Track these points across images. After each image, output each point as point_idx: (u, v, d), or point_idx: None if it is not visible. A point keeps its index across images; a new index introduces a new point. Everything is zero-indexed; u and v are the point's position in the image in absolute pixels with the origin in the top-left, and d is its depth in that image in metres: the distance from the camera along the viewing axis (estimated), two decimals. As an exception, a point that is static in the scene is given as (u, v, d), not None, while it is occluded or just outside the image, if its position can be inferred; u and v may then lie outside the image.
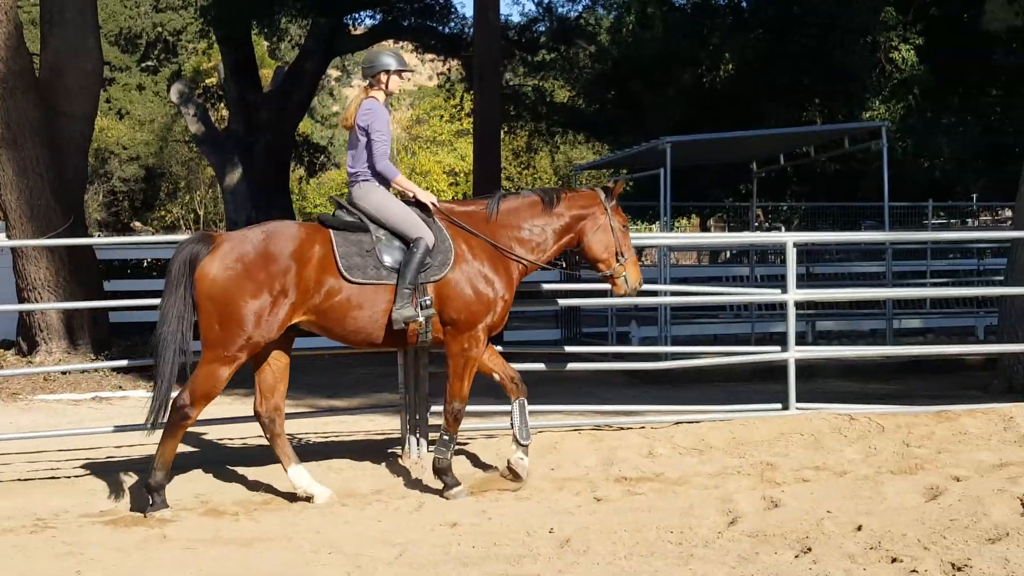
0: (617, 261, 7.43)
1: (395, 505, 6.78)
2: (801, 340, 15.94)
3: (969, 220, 26.22)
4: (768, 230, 25.26)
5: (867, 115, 22.74)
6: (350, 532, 6.14)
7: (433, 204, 7.20)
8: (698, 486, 6.99)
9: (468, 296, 7.01)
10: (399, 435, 8.05)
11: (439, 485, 7.11)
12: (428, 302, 6.90)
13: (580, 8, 28.04)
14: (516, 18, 34.66)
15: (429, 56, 27.37)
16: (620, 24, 27.85)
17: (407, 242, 6.91)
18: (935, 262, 19.29)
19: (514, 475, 7.12)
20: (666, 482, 7.16)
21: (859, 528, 5.64)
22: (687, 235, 21.50)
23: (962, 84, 23.47)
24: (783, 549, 5.43)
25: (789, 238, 8.90)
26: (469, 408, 7.37)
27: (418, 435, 7.88)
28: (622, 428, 8.51)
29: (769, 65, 23.04)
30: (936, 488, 6.41)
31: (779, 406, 8.61)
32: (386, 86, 7.25)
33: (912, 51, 22.64)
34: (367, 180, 7.10)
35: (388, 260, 6.86)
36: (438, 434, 7.28)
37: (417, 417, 7.89)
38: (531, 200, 7.42)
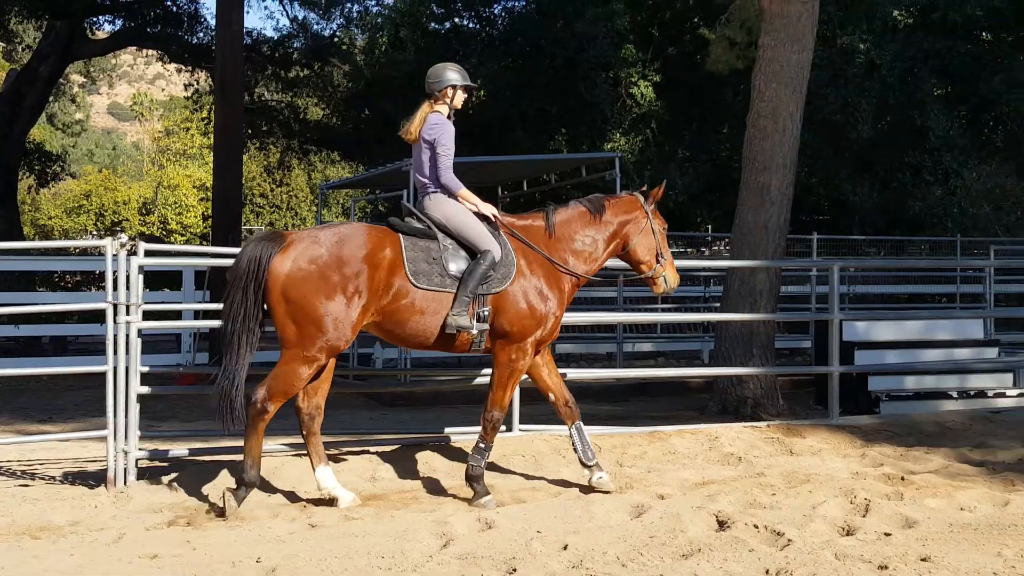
0: (658, 262, 7.72)
1: (92, 537, 6.35)
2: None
3: (704, 249, 27.62)
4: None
5: (608, 146, 23.65)
6: (37, 568, 5.69)
7: (495, 216, 7.34)
8: (416, 510, 7.00)
9: (523, 310, 7.19)
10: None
11: (470, 493, 7.19)
12: (486, 313, 7.08)
13: (335, 27, 27.94)
14: (270, 33, 34.02)
15: (175, 65, 26.53)
16: (374, 44, 27.92)
17: (473, 253, 7.08)
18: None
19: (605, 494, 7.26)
20: (385, 506, 7.14)
21: (565, 547, 5.78)
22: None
23: (695, 120, 24.78)
24: (490, 570, 5.50)
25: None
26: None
27: (125, 462, 7.53)
28: (352, 452, 8.45)
29: (519, 93, 23.64)
30: (642, 506, 6.67)
31: (503, 428, 8.79)
32: (451, 100, 7.37)
33: (650, 87, 23.74)
34: (436, 191, 7.25)
35: (453, 268, 7.02)
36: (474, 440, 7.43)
37: (126, 443, 7.56)
38: (580, 211, 7.60)
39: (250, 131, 26.13)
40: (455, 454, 8.28)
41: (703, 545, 5.71)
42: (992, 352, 12.46)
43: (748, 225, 11.34)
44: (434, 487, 7.67)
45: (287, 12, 25.62)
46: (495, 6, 25.89)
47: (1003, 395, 11.82)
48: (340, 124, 28.05)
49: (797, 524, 6.14)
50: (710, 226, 27.41)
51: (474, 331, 7.05)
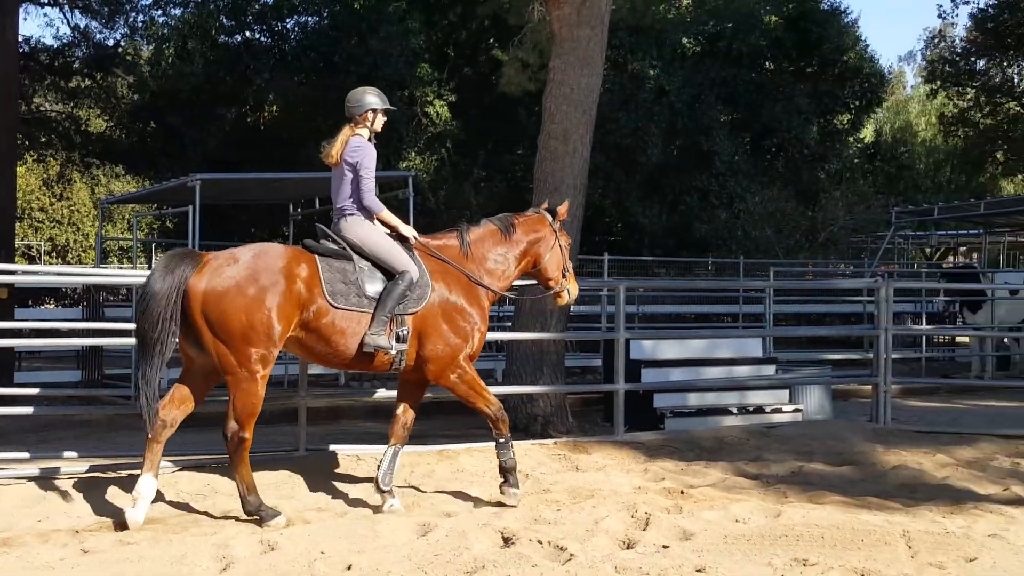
0: (563, 277, 7.98)
1: None
2: (333, 383, 16.17)
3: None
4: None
5: (403, 164, 23.65)
6: None
7: (414, 238, 7.42)
8: (196, 533, 6.73)
9: (447, 329, 7.31)
10: None
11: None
12: (405, 333, 7.16)
13: (118, 36, 26.88)
14: (49, 41, 32.47)
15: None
16: (160, 56, 27.07)
17: (390, 274, 7.14)
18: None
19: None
20: (163, 530, 6.84)
21: (349, 567, 5.68)
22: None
23: (490, 140, 25.06)
24: (269, 594, 5.35)
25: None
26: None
27: None
28: (132, 474, 8.06)
29: (312, 109, 23.35)
30: (428, 524, 6.62)
31: (291, 448, 8.60)
32: (372, 124, 7.45)
33: (446, 107, 23.88)
34: (353, 214, 7.27)
35: (370, 290, 7.09)
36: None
37: None
38: (491, 229, 7.75)
39: (27, 142, 24.84)
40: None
41: (487, 562, 5.69)
42: (770, 369, 13.01)
43: (539, 245, 11.47)
44: (216, 509, 7.41)
45: (68, 20, 24.36)
46: (288, 20, 25.54)
47: (779, 411, 12.36)
48: (124, 137, 27.02)
49: (580, 539, 6.21)
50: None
51: (392, 351, 7.11)
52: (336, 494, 7.83)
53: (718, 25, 30.56)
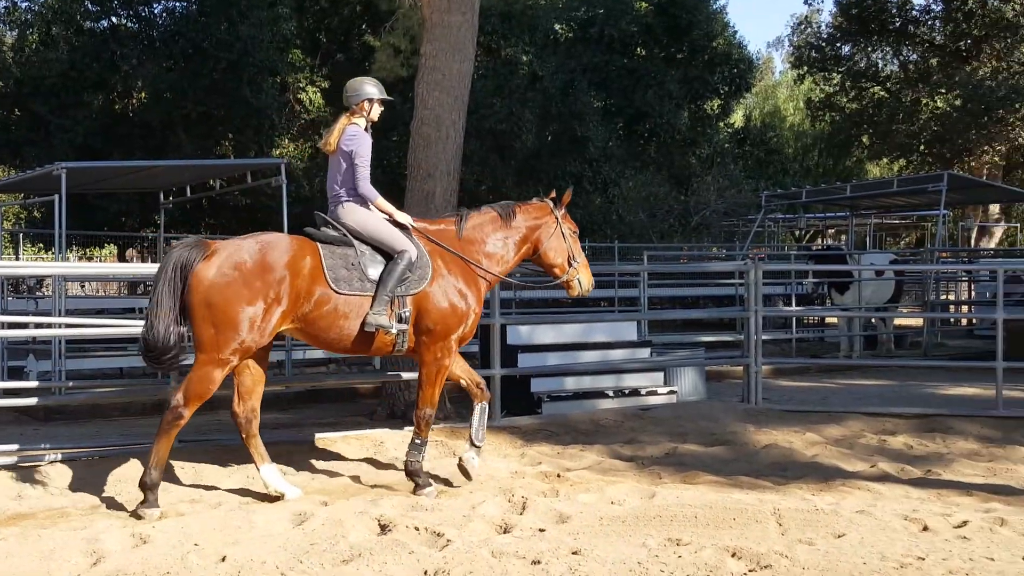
0: (570, 265, 7.99)
1: None
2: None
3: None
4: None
5: (276, 152, 23.28)
6: None
7: (410, 224, 7.58)
8: (65, 527, 6.50)
9: (444, 308, 7.47)
10: None
11: (411, 485, 7.40)
12: (406, 314, 7.33)
13: (-20, 22, 25.91)
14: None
15: None
16: (23, 42, 26.10)
17: (390, 257, 7.32)
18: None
19: (464, 473, 7.61)
20: (32, 525, 6.60)
21: (223, 559, 5.58)
22: (83, 265, 20.31)
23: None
24: (140, 589, 5.21)
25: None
26: None
27: None
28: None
29: (182, 96, 22.80)
30: (304, 514, 6.54)
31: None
32: (368, 113, 7.64)
33: (318, 93, 23.56)
34: (349, 200, 7.44)
35: (372, 273, 7.27)
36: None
37: None
38: (491, 215, 7.92)
39: None
40: (110, 468, 7.82)
41: (364, 550, 5.64)
42: (645, 352, 13.15)
43: (414, 231, 11.40)
44: (86, 503, 7.23)
45: (-73, 7, 23.38)
46: (155, 5, 24.97)
47: (654, 393, 12.50)
48: (-13, 125, 26.04)
49: (457, 525, 6.20)
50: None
51: (393, 330, 7.29)
52: (211, 485, 7.68)
53: (589, 11, 30.82)
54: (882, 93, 34.21)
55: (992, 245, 33.53)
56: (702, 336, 19.71)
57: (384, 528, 6.18)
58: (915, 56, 34.94)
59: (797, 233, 36.65)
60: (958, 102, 31.29)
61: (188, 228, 26.76)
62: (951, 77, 31.74)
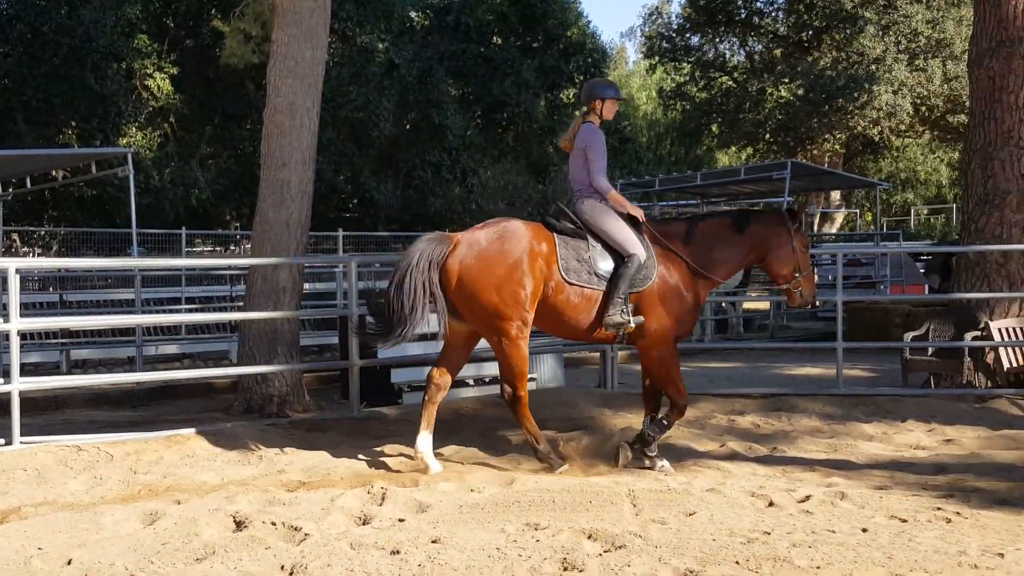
0: (795, 276, 8.15)
1: None
2: (55, 370, 15.31)
3: (234, 248, 27.15)
4: (26, 255, 23.88)
5: (123, 141, 22.57)
6: None
7: (642, 218, 7.94)
8: None
9: (662, 309, 7.77)
10: None
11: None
12: (632, 310, 7.67)
13: None
14: None
15: None
16: None
17: (619, 254, 7.65)
18: (190, 288, 19.60)
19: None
20: None
21: (69, 562, 5.38)
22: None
23: (217, 115, 24.27)
24: (-21, 600, 5.00)
25: (11, 264, 8.38)
26: None
27: None
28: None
29: (20, 83, 21.91)
30: (155, 513, 6.36)
31: (2, 441, 8.07)
32: (601, 112, 8.00)
33: (167, 80, 22.94)
34: (590, 196, 7.88)
35: (602, 268, 7.67)
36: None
37: None
38: (724, 222, 8.14)
39: None
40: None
41: (218, 547, 5.53)
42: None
43: (269, 222, 11.22)
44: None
45: None
46: (-8, -11, 23.81)
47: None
48: None
49: (315, 518, 6.14)
50: (238, 224, 26.99)
51: (631, 325, 7.67)
52: (56, 487, 7.40)
53: (444, -1, 30.81)
54: (730, 83, 35.13)
55: (834, 230, 34.83)
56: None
57: (240, 524, 6.07)
58: (760, 47, 35.99)
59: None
60: (801, 92, 32.36)
61: (30, 221, 25.76)
62: (794, 67, 32.79)
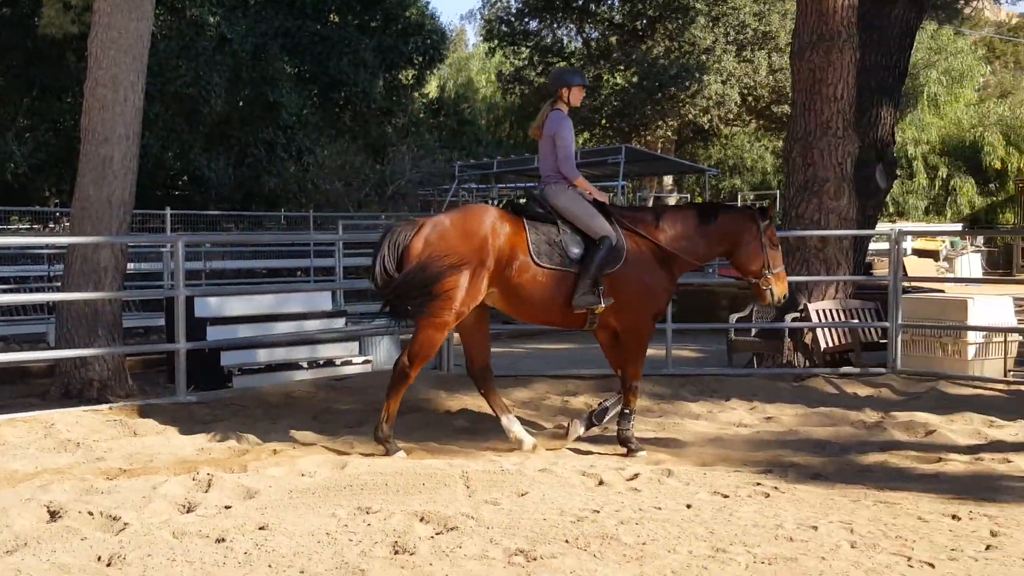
0: (764, 274, 8.16)
1: None
2: None
3: (53, 225, 25.99)
4: None
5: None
6: None
7: (608, 203, 8.16)
8: None
9: (636, 289, 7.92)
10: None
11: (624, 451, 7.85)
12: (601, 291, 7.77)
13: None
14: None
15: None
16: None
17: (589, 238, 7.80)
18: (4, 268, 18.66)
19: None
20: None
21: None
22: None
23: (35, 87, 23.17)
24: None
25: None
26: None
27: None
28: None
29: None
30: (-38, 506, 6.03)
31: None
32: (568, 100, 8.17)
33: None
34: (557, 182, 8.03)
35: (574, 251, 7.78)
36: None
37: None
38: (691, 213, 8.30)
39: None
40: None
41: (31, 539, 5.27)
42: (340, 322, 13.09)
43: (90, 199, 10.74)
44: None
45: None
46: None
47: (350, 363, 12.47)
48: None
49: (136, 507, 5.91)
50: (58, 201, 25.88)
51: (602, 305, 7.77)
52: None
53: (279, -27, 30.16)
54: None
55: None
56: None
57: (54, 515, 5.79)
58: (596, 34, 36.47)
59: (493, 203, 37.52)
60: (635, 79, 32.97)
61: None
62: (629, 55, 33.37)
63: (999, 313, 12.16)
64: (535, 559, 4.96)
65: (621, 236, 7.99)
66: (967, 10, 45.78)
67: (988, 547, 5.24)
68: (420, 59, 33.49)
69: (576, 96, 8.25)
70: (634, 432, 8.06)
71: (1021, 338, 12.39)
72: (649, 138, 35.10)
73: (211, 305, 12.02)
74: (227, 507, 5.96)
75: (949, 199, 39.20)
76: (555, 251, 7.79)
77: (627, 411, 8.06)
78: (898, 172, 14.60)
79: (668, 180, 36.43)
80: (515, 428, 7.98)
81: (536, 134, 8.32)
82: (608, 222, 7.95)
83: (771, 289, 8.32)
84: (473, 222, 7.70)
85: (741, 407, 9.85)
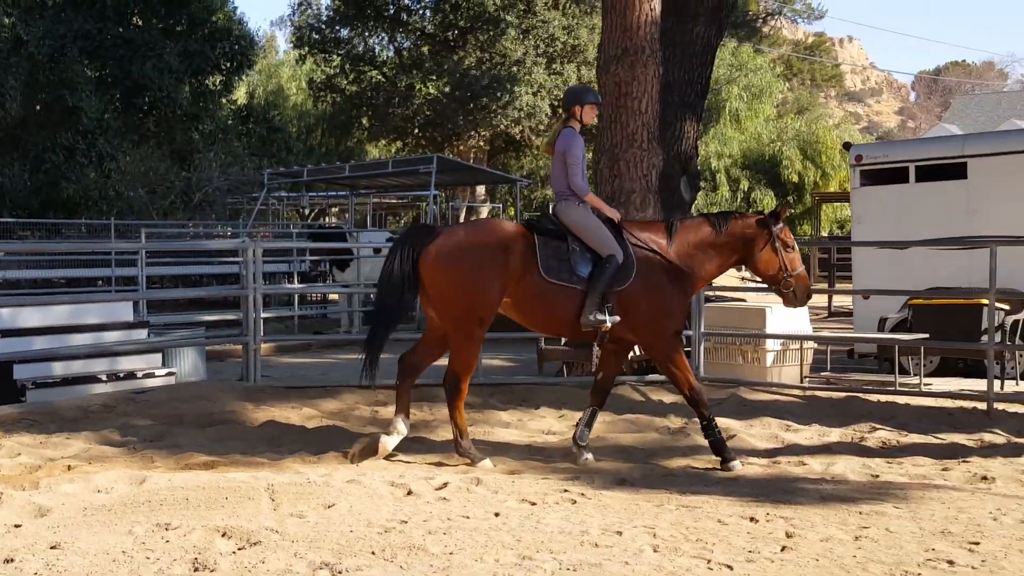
0: (784, 277, 8.19)
1: None
2: None
3: None
4: None
5: None
6: None
7: (618, 219, 8.18)
8: None
9: (646, 308, 7.95)
10: None
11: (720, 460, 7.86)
12: (610, 307, 7.78)
13: None
14: None
15: None
16: None
17: (598, 255, 7.84)
18: None
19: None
20: None
21: None
22: None
23: None
24: None
25: None
26: None
27: None
28: None
29: None
30: None
31: None
32: (580, 117, 8.17)
33: None
34: (568, 198, 8.07)
35: (581, 269, 7.83)
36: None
37: None
38: (702, 224, 8.29)
39: None
40: None
41: None
42: (142, 333, 12.68)
43: None
44: None
45: None
46: None
47: (152, 375, 12.09)
48: None
49: (-85, 530, 5.58)
50: None
51: (608, 323, 7.75)
52: None
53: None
54: (379, 77, 35.39)
55: (480, 224, 35.83)
56: (206, 315, 19.37)
57: None
58: (408, 43, 36.50)
59: (305, 212, 37.08)
60: (448, 89, 33.15)
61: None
62: (441, 65, 33.52)
63: (796, 321, 12.74)
64: (340, 572, 4.93)
65: (631, 254, 8.02)
66: (765, 29, 48.08)
67: (783, 548, 5.48)
68: (228, 65, 32.81)
69: (589, 114, 8.29)
70: (724, 435, 8.23)
71: (816, 345, 13.05)
72: (462, 148, 35.33)
73: (3, 316, 11.48)
74: (16, 526, 5.70)
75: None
76: (563, 267, 7.90)
77: (705, 422, 8.00)
78: (701, 184, 15.17)
79: (481, 190, 36.77)
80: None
81: (549, 151, 8.44)
82: (618, 239, 8.00)
83: (794, 291, 8.36)
84: (488, 234, 7.95)
85: (550, 415, 10.04)
